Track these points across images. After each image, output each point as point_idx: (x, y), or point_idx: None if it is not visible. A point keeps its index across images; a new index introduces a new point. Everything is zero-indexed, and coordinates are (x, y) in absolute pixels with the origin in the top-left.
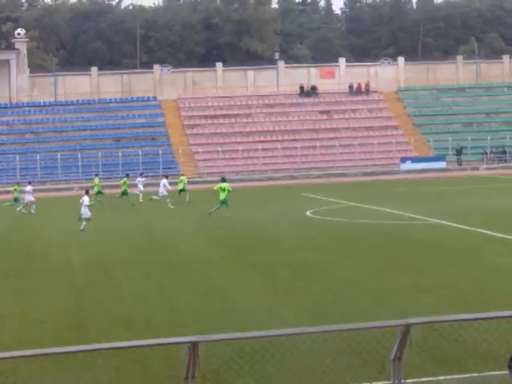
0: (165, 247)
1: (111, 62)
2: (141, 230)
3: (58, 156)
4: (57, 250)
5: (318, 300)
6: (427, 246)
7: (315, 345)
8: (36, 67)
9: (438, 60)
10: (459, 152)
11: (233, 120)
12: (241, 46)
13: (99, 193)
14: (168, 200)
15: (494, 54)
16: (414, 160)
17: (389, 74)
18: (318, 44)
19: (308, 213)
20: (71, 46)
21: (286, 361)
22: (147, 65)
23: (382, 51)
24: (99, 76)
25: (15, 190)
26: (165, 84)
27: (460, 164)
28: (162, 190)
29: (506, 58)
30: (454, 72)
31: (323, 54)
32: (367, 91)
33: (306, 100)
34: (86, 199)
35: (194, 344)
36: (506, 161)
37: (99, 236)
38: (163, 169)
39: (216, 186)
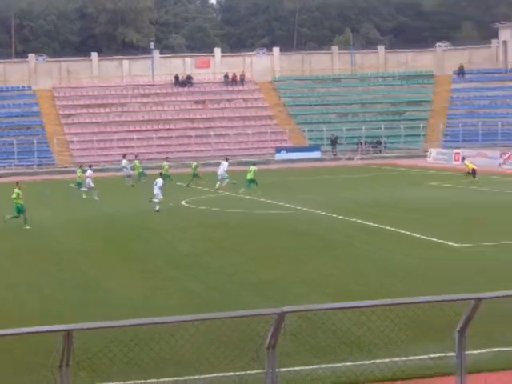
0: (38, 236)
1: None
2: (15, 219)
3: None
4: None
5: (192, 290)
6: (303, 236)
7: (189, 334)
8: None
9: (314, 50)
10: (334, 142)
11: (108, 109)
12: (116, 35)
13: None
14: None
15: (369, 44)
16: (289, 150)
17: (264, 64)
18: (194, 34)
19: (183, 202)
20: None
21: (161, 350)
22: (22, 54)
23: (258, 41)
24: None
25: (79, 174)
26: (40, 73)
27: (335, 154)
28: (221, 172)
29: (381, 48)
30: (330, 62)
31: (199, 44)
32: (242, 81)
33: (181, 89)
34: (159, 181)
35: (68, 332)
36: (380, 151)
37: None
38: (38, 158)
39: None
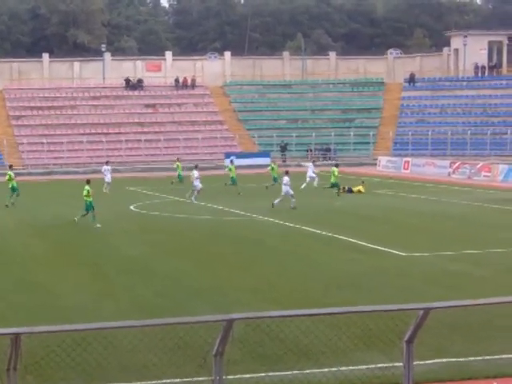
0: None
1: None
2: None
3: None
4: None
5: (140, 295)
6: (251, 243)
7: (137, 339)
8: None
9: (265, 55)
10: (284, 148)
11: (58, 112)
12: (68, 37)
13: None
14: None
15: (321, 50)
16: (239, 155)
17: (215, 69)
18: (145, 37)
19: (132, 207)
20: None
21: (108, 355)
22: None
23: (209, 45)
24: None
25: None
26: None
27: (284, 160)
28: (310, 174)
29: (332, 54)
30: (281, 68)
31: (150, 47)
32: (193, 85)
33: (131, 93)
34: (286, 178)
35: (17, 336)
36: (329, 158)
37: None
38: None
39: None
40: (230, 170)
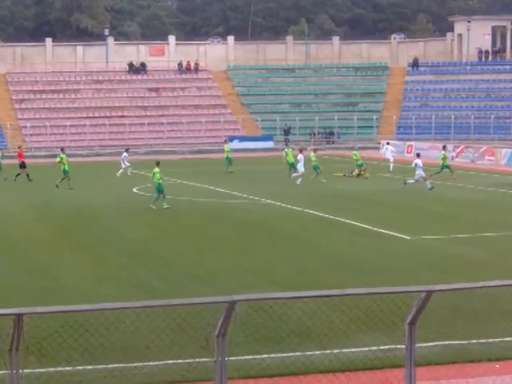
0: None
1: None
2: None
3: None
4: None
5: (141, 278)
6: (253, 226)
7: (139, 320)
8: None
9: (268, 40)
10: (287, 132)
11: (61, 95)
12: (71, 21)
13: None
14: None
15: (324, 35)
16: (242, 139)
17: (218, 53)
18: (149, 21)
19: (135, 189)
20: None
21: (111, 335)
22: None
23: (212, 30)
24: None
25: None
26: None
27: (287, 144)
28: (388, 155)
29: (335, 39)
30: (284, 52)
31: (153, 32)
32: (196, 69)
33: (134, 77)
34: (419, 161)
35: (19, 316)
36: (333, 142)
37: None
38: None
39: None
40: (287, 154)
